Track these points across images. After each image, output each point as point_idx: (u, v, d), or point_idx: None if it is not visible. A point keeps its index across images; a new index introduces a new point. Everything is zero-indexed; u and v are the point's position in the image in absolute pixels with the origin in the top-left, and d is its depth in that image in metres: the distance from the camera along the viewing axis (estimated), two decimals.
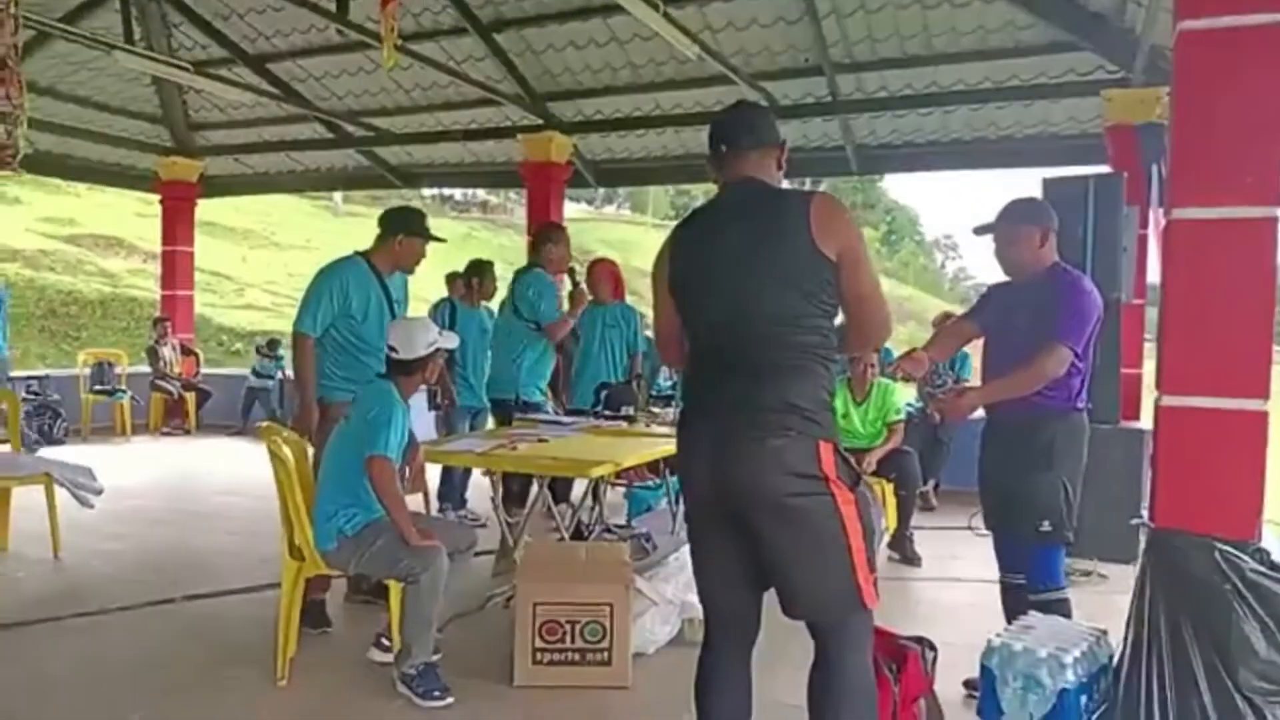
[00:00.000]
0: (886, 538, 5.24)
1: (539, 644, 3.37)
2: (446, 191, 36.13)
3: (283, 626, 3.42)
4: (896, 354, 3.90)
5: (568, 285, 5.72)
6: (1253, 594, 2.63)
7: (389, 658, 3.44)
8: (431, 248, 4.15)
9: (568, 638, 3.38)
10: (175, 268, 11.07)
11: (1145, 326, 6.44)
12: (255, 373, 10.37)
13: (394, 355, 3.43)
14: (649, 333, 4.97)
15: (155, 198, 11.21)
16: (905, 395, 6.32)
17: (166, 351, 10.25)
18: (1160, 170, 5.83)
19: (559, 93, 8.48)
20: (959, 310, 6.40)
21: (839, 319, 2.23)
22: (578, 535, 4.77)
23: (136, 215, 21.48)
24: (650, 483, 5.66)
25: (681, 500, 2.91)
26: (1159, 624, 2.73)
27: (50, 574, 4.86)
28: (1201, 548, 2.70)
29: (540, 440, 4.25)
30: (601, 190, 35.78)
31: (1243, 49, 2.72)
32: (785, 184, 2.41)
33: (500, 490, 4.38)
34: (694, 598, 2.67)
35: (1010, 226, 3.17)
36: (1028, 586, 3.19)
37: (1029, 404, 3.05)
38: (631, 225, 38.85)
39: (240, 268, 23.43)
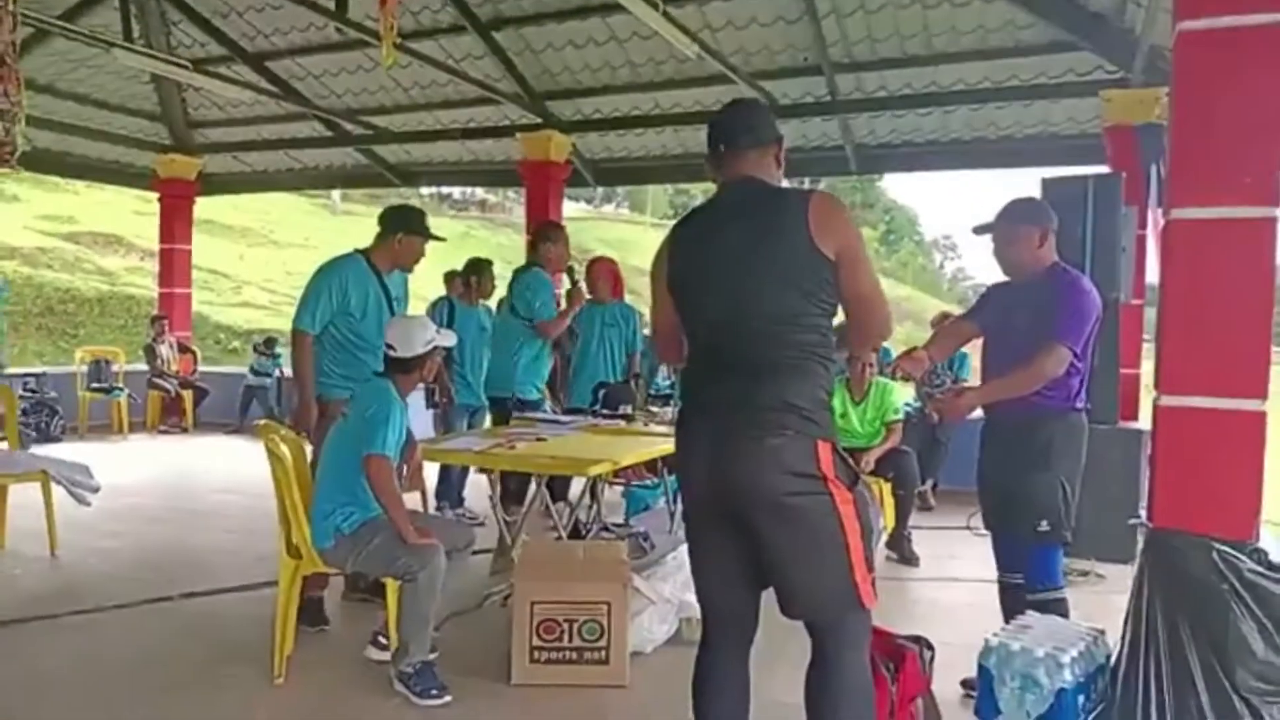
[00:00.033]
0: (884, 537, 5.24)
1: (536, 642, 3.37)
2: (445, 190, 36.17)
3: (280, 624, 3.42)
4: (895, 354, 3.90)
5: (566, 284, 5.72)
6: (1250, 594, 2.63)
7: (386, 656, 3.43)
8: (430, 246, 4.15)
9: (565, 636, 3.38)
10: (173, 265, 11.06)
11: (1144, 326, 6.45)
12: (253, 371, 10.37)
13: (392, 353, 3.42)
14: (648, 332, 4.97)
15: (154, 195, 11.20)
16: (904, 395, 6.32)
17: (164, 349, 10.24)
18: (1159, 170, 5.83)
19: (558, 91, 8.48)
20: (957, 310, 6.41)
21: (839, 318, 2.23)
22: (575, 534, 4.78)
23: (135, 213, 21.44)
24: (648, 482, 5.67)
25: (679, 499, 2.91)
26: (1156, 624, 2.74)
27: (47, 572, 4.85)
28: (1199, 548, 2.70)
29: (538, 439, 4.26)
30: (600, 189, 35.76)
31: (1242, 49, 2.72)
32: (784, 183, 2.41)
33: (498, 489, 4.37)
34: (692, 597, 2.66)
35: (1009, 226, 3.17)
36: (1026, 586, 3.19)
37: (1028, 404, 3.05)
38: (630, 224, 38.83)
39: (238, 266, 23.40)
